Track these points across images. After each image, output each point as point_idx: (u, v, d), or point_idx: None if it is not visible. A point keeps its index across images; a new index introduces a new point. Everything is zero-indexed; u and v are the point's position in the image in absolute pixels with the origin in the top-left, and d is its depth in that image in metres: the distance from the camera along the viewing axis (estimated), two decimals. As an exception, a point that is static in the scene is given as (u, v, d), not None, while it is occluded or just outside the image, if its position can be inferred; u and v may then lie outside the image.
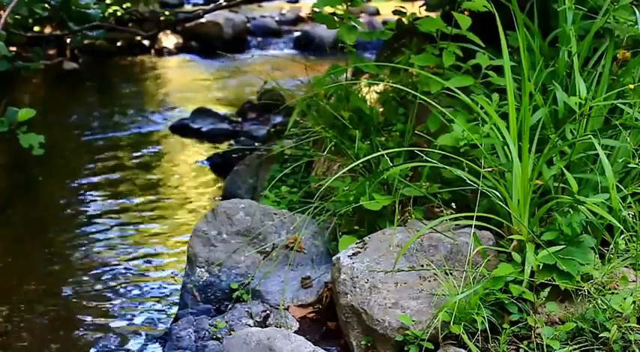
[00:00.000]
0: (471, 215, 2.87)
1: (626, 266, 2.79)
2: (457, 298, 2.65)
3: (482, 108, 3.21)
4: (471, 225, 2.87)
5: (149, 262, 4.34)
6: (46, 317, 3.73)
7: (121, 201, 5.27)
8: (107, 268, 4.26)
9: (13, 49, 7.82)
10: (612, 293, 2.67)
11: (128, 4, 9.65)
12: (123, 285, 4.06)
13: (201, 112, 7.01)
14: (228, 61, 9.88)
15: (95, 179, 5.70)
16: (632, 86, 3.19)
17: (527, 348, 2.65)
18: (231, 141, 6.29)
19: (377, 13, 11.88)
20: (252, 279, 3.39)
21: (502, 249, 2.92)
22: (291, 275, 3.42)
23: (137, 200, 5.27)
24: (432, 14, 4.78)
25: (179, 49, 10.50)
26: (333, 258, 3.14)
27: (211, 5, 10.01)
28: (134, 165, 6.04)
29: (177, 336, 3.19)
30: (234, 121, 6.98)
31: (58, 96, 8.19)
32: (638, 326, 2.60)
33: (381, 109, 4.20)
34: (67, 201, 5.26)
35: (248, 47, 10.77)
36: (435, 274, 2.90)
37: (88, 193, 5.42)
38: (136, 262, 4.34)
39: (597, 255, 2.80)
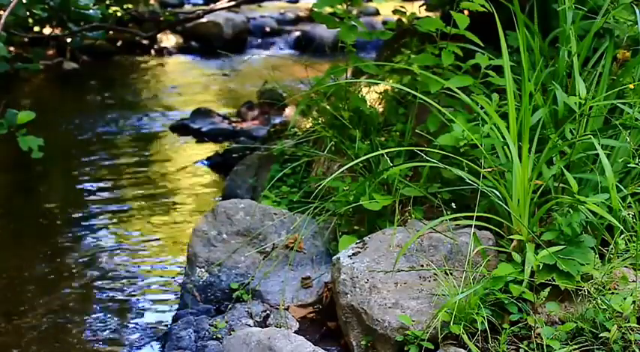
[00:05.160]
0: (471, 215, 2.87)
1: (626, 267, 2.79)
2: (457, 298, 2.65)
3: (482, 108, 3.21)
4: (471, 225, 2.87)
5: (149, 262, 4.34)
6: (45, 316, 3.73)
7: (120, 200, 5.27)
8: (107, 268, 4.26)
9: (12, 49, 7.84)
10: (612, 293, 2.67)
11: (128, 5, 9.66)
12: (122, 285, 4.06)
13: (201, 112, 7.02)
14: (228, 61, 9.88)
15: (95, 179, 5.71)
16: (632, 86, 3.19)
17: (527, 348, 2.65)
18: (231, 141, 6.29)
19: (377, 13, 11.88)
20: (252, 279, 3.39)
21: (502, 249, 2.92)
22: (291, 275, 3.42)
23: (137, 200, 5.27)
24: (432, 14, 4.79)
25: (179, 49, 10.50)
26: (333, 258, 3.14)
27: (211, 5, 10.01)
28: (134, 165, 6.05)
29: (177, 336, 3.19)
30: (234, 121, 6.98)
31: (58, 96, 8.19)
32: (638, 326, 2.60)
33: (381, 109, 4.20)
34: (67, 201, 5.26)
35: (248, 47, 10.78)
36: (435, 274, 2.91)
37: (87, 193, 5.42)
38: (135, 262, 4.34)
39: (597, 255, 2.80)
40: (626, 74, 3.34)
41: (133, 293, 3.98)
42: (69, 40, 8.62)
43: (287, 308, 3.28)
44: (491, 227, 2.98)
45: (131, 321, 3.69)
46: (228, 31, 10.64)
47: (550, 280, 2.72)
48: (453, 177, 3.23)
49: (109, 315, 3.75)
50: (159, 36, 10.15)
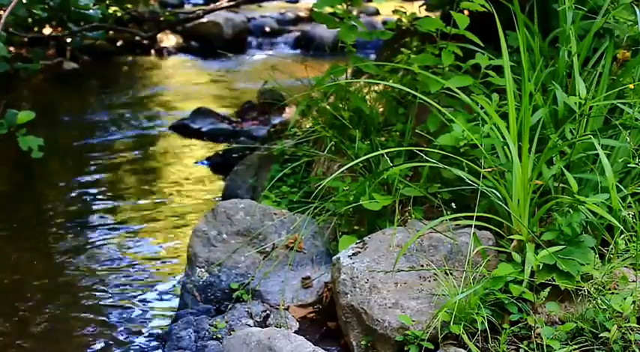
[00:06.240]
0: (471, 215, 2.87)
1: (626, 267, 2.79)
2: (457, 298, 2.65)
3: (482, 108, 3.21)
4: (471, 225, 2.87)
5: (149, 262, 4.34)
6: (45, 317, 3.73)
7: (120, 200, 5.27)
8: (107, 268, 4.26)
9: (12, 49, 7.84)
10: (612, 293, 2.67)
11: (128, 5, 9.66)
12: (123, 285, 4.06)
13: (201, 112, 7.02)
14: (228, 61, 9.88)
15: (95, 179, 5.71)
16: (632, 86, 3.19)
17: (527, 348, 2.65)
18: (231, 141, 6.29)
19: (377, 13, 11.88)
20: (252, 279, 3.39)
21: (502, 249, 2.92)
22: (291, 275, 3.42)
23: (137, 200, 5.27)
24: (432, 14, 4.79)
25: (179, 49, 10.51)
26: (333, 258, 3.14)
27: (211, 5, 10.02)
28: (134, 165, 6.05)
29: (177, 336, 3.19)
30: (234, 121, 6.98)
31: (58, 97, 8.19)
32: (638, 326, 2.60)
33: (381, 109, 4.20)
34: (67, 201, 5.26)
35: (248, 47, 10.78)
36: (435, 274, 2.91)
37: (87, 193, 5.42)
38: (135, 262, 4.34)
39: (597, 255, 2.80)
40: (626, 74, 3.34)
41: (132, 293, 3.98)
42: (69, 40, 8.63)
43: (287, 308, 3.28)
44: (491, 227, 2.98)
45: (131, 321, 3.69)
46: (228, 31, 10.65)
47: (550, 280, 2.72)
48: (452, 177, 3.23)
49: (108, 315, 3.75)
50: (159, 36, 10.16)
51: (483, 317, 2.64)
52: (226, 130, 6.70)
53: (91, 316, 3.75)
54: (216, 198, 5.10)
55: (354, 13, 5.74)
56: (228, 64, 9.80)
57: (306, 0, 12.70)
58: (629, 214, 2.85)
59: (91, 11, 6.30)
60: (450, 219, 3.00)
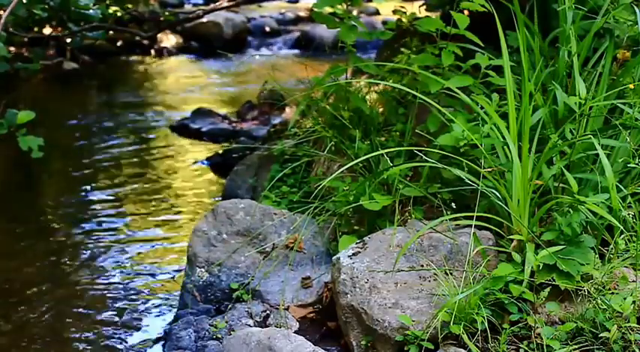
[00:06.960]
0: (471, 215, 2.87)
1: (626, 267, 2.79)
2: (457, 298, 2.65)
3: (482, 108, 3.21)
4: (471, 225, 2.87)
5: (149, 262, 4.34)
6: (45, 316, 3.73)
7: (120, 200, 5.27)
8: (107, 268, 4.26)
9: (13, 49, 7.84)
10: (612, 293, 2.67)
11: (128, 5, 9.66)
12: (122, 285, 4.06)
13: (201, 112, 7.02)
14: (228, 61, 9.88)
15: (94, 179, 5.70)
16: (632, 86, 3.19)
17: (527, 348, 2.65)
18: (231, 141, 6.29)
19: (377, 13, 11.88)
20: (252, 279, 3.39)
21: (502, 249, 2.92)
22: (291, 275, 3.42)
23: (137, 200, 5.27)
24: (432, 14, 4.79)
25: (179, 49, 10.51)
26: (333, 258, 3.14)
27: (211, 5, 10.01)
28: (134, 165, 6.05)
29: (177, 336, 3.19)
30: (234, 121, 6.98)
31: (58, 96, 8.19)
32: (638, 326, 2.60)
33: (381, 109, 4.20)
34: (67, 201, 5.26)
35: (248, 47, 10.78)
36: (435, 274, 2.91)
37: (87, 193, 5.42)
38: (135, 262, 4.34)
39: (597, 255, 2.80)
40: (626, 74, 3.34)
41: (132, 293, 3.98)
42: (69, 40, 8.62)
43: (287, 308, 3.29)
44: (491, 227, 2.98)
45: (131, 321, 3.69)
46: (228, 31, 10.65)
47: (550, 280, 2.72)
48: (452, 177, 3.24)
49: (108, 315, 3.75)
50: (159, 36, 10.15)
51: (483, 317, 2.64)
52: (226, 130, 6.70)
53: (91, 316, 3.75)
54: (216, 198, 5.10)
55: (354, 13, 5.74)
56: (228, 64, 9.80)
57: (306, 0, 12.69)
58: (629, 214, 2.85)
59: (91, 11, 6.30)
60: (450, 219, 3.00)
